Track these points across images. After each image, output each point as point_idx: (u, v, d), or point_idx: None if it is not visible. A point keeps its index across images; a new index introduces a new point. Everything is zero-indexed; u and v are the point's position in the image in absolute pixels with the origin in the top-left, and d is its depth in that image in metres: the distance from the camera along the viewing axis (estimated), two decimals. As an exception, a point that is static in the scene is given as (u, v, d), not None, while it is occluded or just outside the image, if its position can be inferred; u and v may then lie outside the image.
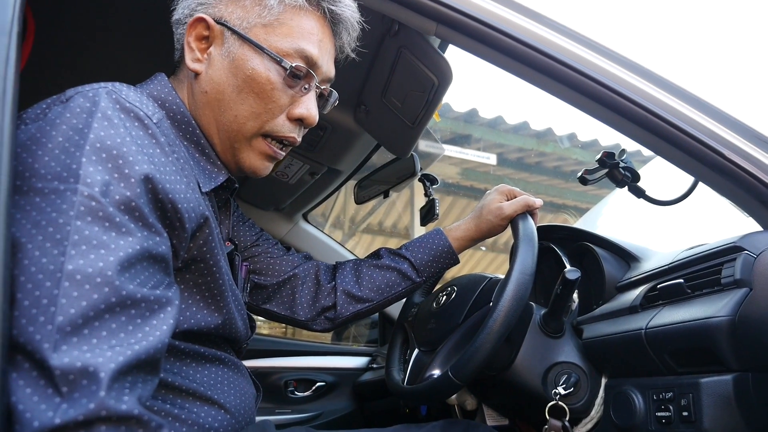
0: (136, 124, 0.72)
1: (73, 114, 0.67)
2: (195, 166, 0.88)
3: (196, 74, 0.90)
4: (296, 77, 0.89)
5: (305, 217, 2.39)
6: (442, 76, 1.23)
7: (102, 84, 0.73)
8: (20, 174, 0.63)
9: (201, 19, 0.88)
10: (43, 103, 0.72)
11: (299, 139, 0.95)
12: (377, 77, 1.42)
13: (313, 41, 0.90)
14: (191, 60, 0.89)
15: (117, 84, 0.76)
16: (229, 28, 0.87)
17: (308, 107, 0.92)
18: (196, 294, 0.84)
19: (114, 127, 0.68)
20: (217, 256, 0.85)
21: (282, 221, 2.33)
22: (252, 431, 0.91)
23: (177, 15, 0.92)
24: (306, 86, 0.91)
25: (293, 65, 0.88)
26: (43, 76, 1.53)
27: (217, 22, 0.88)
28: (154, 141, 0.73)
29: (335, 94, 1.02)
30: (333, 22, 0.95)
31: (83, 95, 0.70)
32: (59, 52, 1.50)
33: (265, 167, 0.95)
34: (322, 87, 0.96)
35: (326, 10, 0.92)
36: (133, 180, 0.66)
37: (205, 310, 0.85)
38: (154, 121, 0.76)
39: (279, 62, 0.87)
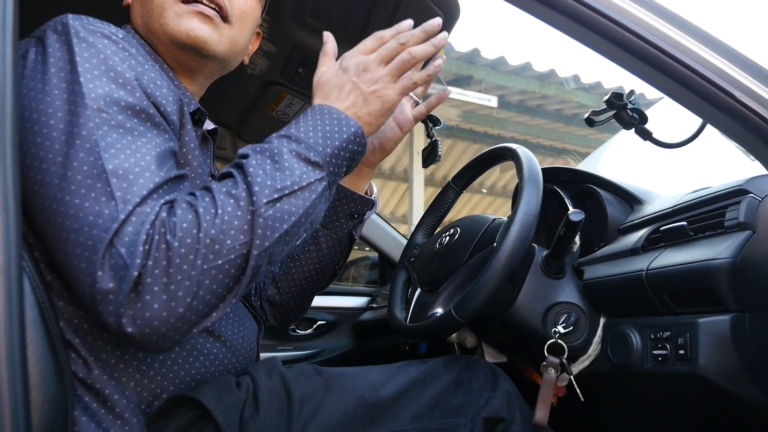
0: (106, 41, 0.78)
1: (54, 49, 0.74)
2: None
3: (128, 6, 1.00)
4: None
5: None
6: (448, 11, 1.20)
7: (61, 16, 0.78)
8: (24, 113, 0.70)
9: None
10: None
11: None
12: (381, 13, 1.38)
13: None
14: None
15: (73, 14, 0.80)
16: None
17: None
18: None
19: (93, 46, 0.75)
20: (193, 158, 0.89)
21: (282, 162, 2.31)
22: (261, 366, 0.93)
23: None
24: None
25: None
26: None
27: None
28: (126, 53, 0.79)
29: None
30: None
31: (53, 30, 0.76)
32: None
33: (197, 27, 0.94)
34: None
35: None
36: (129, 87, 0.74)
37: None
38: (120, 36, 0.81)
39: None
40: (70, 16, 0.77)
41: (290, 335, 2.25)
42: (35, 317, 0.61)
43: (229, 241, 0.68)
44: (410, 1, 1.24)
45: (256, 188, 0.72)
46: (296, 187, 0.75)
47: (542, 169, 1.17)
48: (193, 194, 0.72)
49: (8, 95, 0.54)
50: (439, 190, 1.46)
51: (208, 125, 1.05)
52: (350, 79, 0.88)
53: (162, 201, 0.68)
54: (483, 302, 0.99)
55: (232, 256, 0.68)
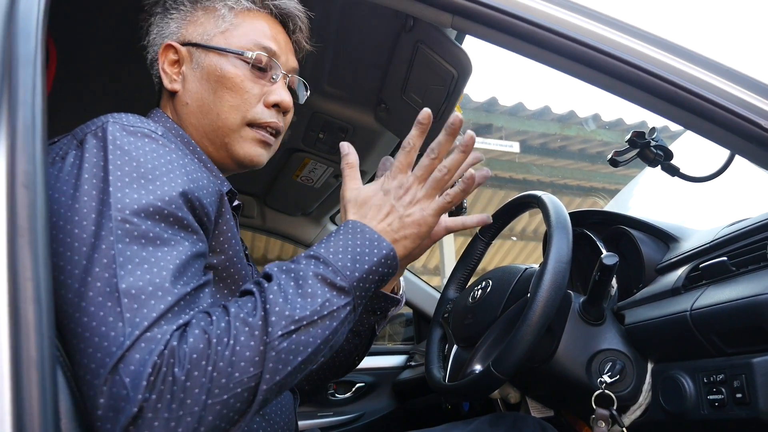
0: (146, 140, 0.79)
1: (90, 154, 0.74)
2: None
3: (175, 93, 0.99)
4: (260, 69, 0.99)
5: (333, 220, 2.39)
6: (461, 68, 1.22)
7: (103, 118, 0.79)
8: (55, 215, 0.71)
9: (168, 46, 0.99)
10: (56, 147, 0.79)
11: (282, 125, 1.02)
12: (395, 74, 1.41)
13: (267, 36, 1.01)
14: (169, 82, 0.99)
15: (115, 114, 0.81)
16: (194, 44, 0.98)
17: (280, 93, 1.00)
18: (223, 289, 0.87)
19: (127, 153, 0.75)
20: (234, 242, 0.89)
21: (310, 226, 2.34)
22: None
23: (150, 56, 1.04)
24: (273, 76, 1.00)
25: (254, 54, 0.97)
26: (66, 101, 1.56)
27: (183, 44, 0.99)
28: (167, 148, 0.80)
29: (304, 83, 1.11)
30: (281, 19, 1.05)
31: (93, 135, 0.77)
32: (81, 77, 1.52)
33: (260, 154, 1.01)
34: (289, 76, 1.04)
35: (271, 7, 1.03)
36: (159, 191, 0.74)
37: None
38: (159, 133, 0.82)
39: (242, 55, 0.97)
40: (111, 120, 0.78)
41: (330, 400, 2.21)
42: (69, 408, 0.60)
43: (237, 374, 0.66)
44: (423, 61, 1.27)
45: (273, 318, 0.69)
46: (316, 317, 0.73)
47: (570, 213, 1.16)
48: (209, 314, 0.70)
49: (38, 123, 0.56)
50: (469, 239, 1.45)
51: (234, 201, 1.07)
52: (389, 201, 0.88)
53: (174, 326, 0.66)
54: (522, 356, 0.96)
55: (239, 390, 0.66)
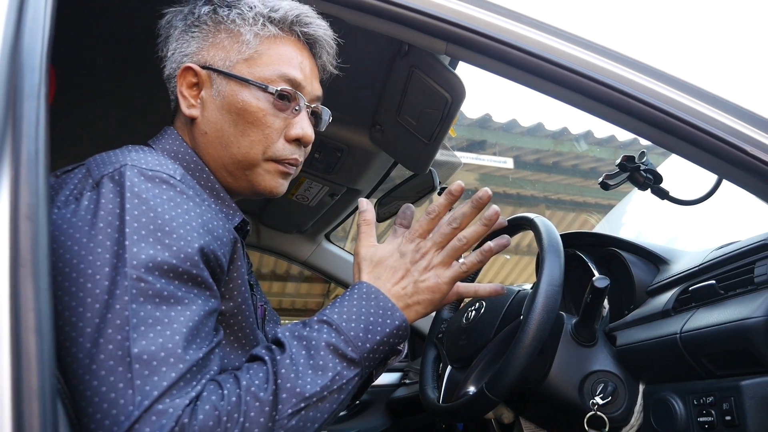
0: (164, 186, 0.77)
1: (106, 200, 0.72)
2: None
3: (193, 119, 0.95)
4: (284, 99, 0.93)
5: (328, 238, 2.40)
6: (455, 93, 1.24)
7: (121, 160, 0.77)
8: (67, 261, 0.69)
9: (188, 68, 0.93)
10: (70, 184, 0.77)
11: (301, 159, 0.99)
12: (390, 97, 1.44)
13: (293, 64, 0.95)
14: (186, 107, 0.94)
15: (133, 154, 0.80)
16: (215, 70, 0.93)
17: (302, 127, 0.95)
18: (230, 336, 0.86)
19: (145, 203, 0.73)
20: (243, 289, 0.87)
21: (305, 243, 2.35)
22: None
23: (167, 72, 0.98)
24: (296, 108, 0.95)
25: (278, 89, 0.92)
26: (64, 127, 1.58)
27: (203, 67, 0.93)
28: (184, 196, 0.78)
29: (327, 111, 1.05)
30: (309, 43, 0.99)
31: (109, 178, 0.75)
32: (78, 103, 1.54)
33: (280, 185, 0.97)
34: (312, 106, 0.99)
35: (299, 33, 0.97)
36: (174, 247, 0.72)
37: (239, 351, 0.87)
38: (178, 178, 0.80)
39: (265, 89, 0.92)
40: (129, 164, 0.76)
41: (323, 419, 2.20)
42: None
43: None
44: (418, 86, 1.29)
45: (284, 395, 0.70)
46: (326, 393, 0.73)
47: (562, 234, 1.17)
48: (220, 386, 0.69)
49: (41, 155, 0.57)
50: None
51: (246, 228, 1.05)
52: (405, 265, 0.87)
53: (186, 400, 0.65)
54: (515, 378, 0.97)
55: None
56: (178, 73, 0.94)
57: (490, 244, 0.90)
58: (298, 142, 0.96)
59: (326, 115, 1.05)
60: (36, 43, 0.62)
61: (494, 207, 0.89)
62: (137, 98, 1.58)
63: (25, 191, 0.55)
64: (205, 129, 0.93)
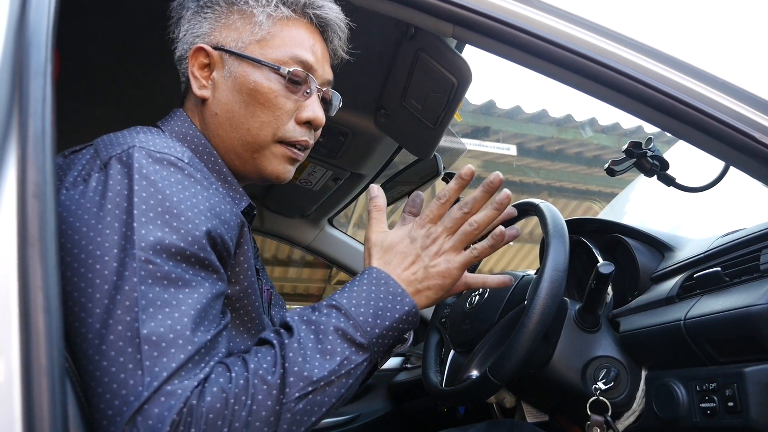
0: (172, 169, 0.77)
1: (115, 181, 0.73)
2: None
3: (204, 100, 0.94)
4: (296, 82, 0.93)
5: (331, 222, 2.40)
6: (461, 77, 1.23)
7: (129, 141, 0.77)
8: (76, 242, 0.69)
9: (200, 49, 0.93)
10: (78, 165, 0.77)
11: (312, 142, 0.99)
12: (396, 81, 1.43)
13: (305, 47, 0.95)
14: (198, 88, 0.94)
15: (141, 135, 0.80)
16: (227, 51, 0.92)
17: (313, 109, 0.95)
18: (236, 320, 0.86)
19: (153, 185, 0.73)
20: (250, 273, 0.88)
21: (308, 228, 2.35)
22: None
23: (178, 53, 0.98)
24: (307, 90, 0.95)
25: (290, 70, 0.92)
26: (70, 106, 1.57)
27: (215, 48, 0.93)
28: (192, 179, 0.78)
29: (338, 95, 1.05)
30: (321, 27, 0.99)
31: (117, 160, 0.75)
32: (83, 83, 1.53)
33: (288, 170, 0.97)
34: (323, 89, 0.99)
35: (312, 16, 0.96)
36: (182, 230, 0.72)
37: (245, 335, 0.87)
38: (186, 161, 0.80)
39: (277, 70, 0.92)
40: (137, 146, 0.76)
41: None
42: (76, 414, 0.61)
43: None
44: (424, 69, 1.29)
45: (291, 378, 0.70)
46: (334, 377, 0.73)
47: (567, 221, 1.17)
48: (228, 369, 0.70)
49: (48, 133, 0.57)
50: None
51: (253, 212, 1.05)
52: (415, 250, 0.86)
53: (195, 382, 0.66)
54: (518, 363, 0.98)
55: None
56: (189, 54, 0.93)
57: (501, 227, 0.89)
58: (308, 124, 0.96)
59: (336, 100, 1.05)
60: (42, 19, 0.61)
61: (506, 191, 0.88)
62: (145, 82, 1.57)
63: (32, 170, 0.55)
64: (215, 110, 0.93)
